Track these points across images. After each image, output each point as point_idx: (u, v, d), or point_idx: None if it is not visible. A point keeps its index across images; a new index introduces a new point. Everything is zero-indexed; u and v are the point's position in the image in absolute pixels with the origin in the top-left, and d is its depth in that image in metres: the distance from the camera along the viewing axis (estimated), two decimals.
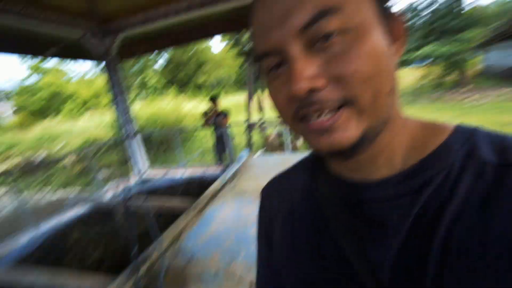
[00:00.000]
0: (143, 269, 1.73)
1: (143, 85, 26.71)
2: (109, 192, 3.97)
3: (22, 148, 7.37)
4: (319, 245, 0.32)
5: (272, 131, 6.77)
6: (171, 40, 4.80)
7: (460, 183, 0.24)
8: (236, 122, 5.19)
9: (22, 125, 13.19)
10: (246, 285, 1.54)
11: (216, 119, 4.72)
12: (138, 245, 3.75)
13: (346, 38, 0.24)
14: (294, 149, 6.17)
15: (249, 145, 6.31)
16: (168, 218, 2.63)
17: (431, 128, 0.29)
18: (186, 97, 20.88)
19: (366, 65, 0.23)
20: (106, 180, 5.64)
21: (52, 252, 2.88)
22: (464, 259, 0.22)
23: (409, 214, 0.26)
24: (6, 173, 5.62)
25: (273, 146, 5.02)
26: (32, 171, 6.09)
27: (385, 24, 0.26)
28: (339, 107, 0.24)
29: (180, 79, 31.17)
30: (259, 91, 7.41)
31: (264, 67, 0.28)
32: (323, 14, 0.23)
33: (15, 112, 18.73)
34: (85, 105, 19.53)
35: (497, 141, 0.26)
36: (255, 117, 6.74)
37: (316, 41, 0.24)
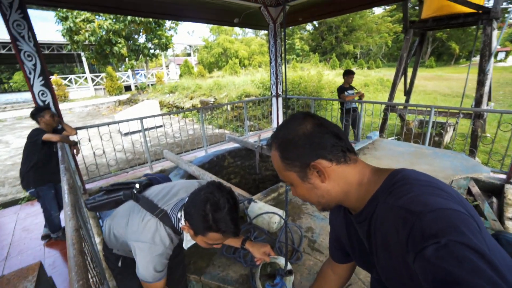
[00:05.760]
0: (274, 195, 2.40)
1: (289, 50, 28.23)
2: (252, 138, 5.09)
3: (201, 92, 10.19)
4: (350, 234, 0.71)
5: (413, 118, 5.98)
6: (333, 9, 4.84)
7: (377, 214, 0.53)
8: (375, 100, 4.97)
9: (200, 75, 17.59)
10: None
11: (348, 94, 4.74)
12: (266, 181, 4.70)
13: (293, 186, 0.62)
14: (436, 144, 5.29)
15: (382, 127, 5.94)
16: None
17: (375, 178, 0.57)
18: (327, 66, 20.64)
19: (300, 195, 0.63)
20: (251, 128, 7.05)
21: (215, 167, 4.23)
22: (379, 245, 0.53)
23: (365, 230, 0.58)
24: (193, 107, 8.08)
25: (410, 135, 4.56)
26: (205, 110, 8.44)
27: (304, 178, 0.58)
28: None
29: (324, 47, 30.51)
30: (410, 70, 6.47)
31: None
32: (281, 181, 0.69)
33: (196, 64, 24.91)
34: (242, 63, 23.33)
35: (399, 191, 0.50)
36: (398, 99, 6.11)
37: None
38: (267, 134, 5.78)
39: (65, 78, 16.33)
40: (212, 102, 8.90)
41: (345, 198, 0.60)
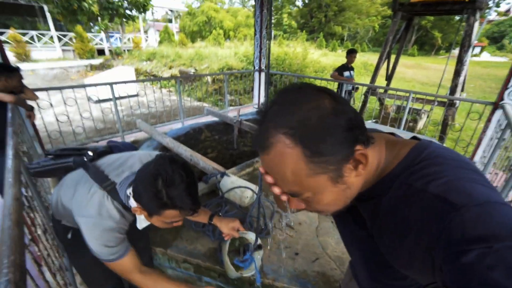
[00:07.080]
0: (248, 170, 2.35)
1: (276, 25, 27.24)
2: (231, 113, 4.95)
3: (181, 62, 9.61)
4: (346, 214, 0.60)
5: (391, 103, 6.12)
6: None
7: (392, 194, 0.45)
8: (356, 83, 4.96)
9: (181, 43, 16.54)
10: None
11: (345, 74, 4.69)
12: (244, 157, 4.66)
13: (310, 196, 0.44)
14: (410, 129, 5.51)
15: (361, 110, 6.03)
16: None
17: (392, 154, 0.47)
18: (313, 45, 20.28)
19: (321, 205, 0.46)
20: (231, 102, 6.85)
21: (190, 141, 4.08)
22: (386, 228, 0.46)
23: (370, 209, 0.51)
24: (171, 77, 7.65)
25: (387, 119, 4.68)
26: (184, 80, 8.03)
27: (339, 178, 0.42)
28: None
29: (312, 26, 29.77)
30: (393, 57, 6.51)
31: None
32: (290, 194, 0.45)
33: (177, 32, 23.36)
34: (227, 34, 22.19)
35: (427, 172, 0.41)
36: (379, 83, 6.17)
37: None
38: (247, 109, 5.65)
39: (24, 34, 14.54)
40: (192, 73, 8.46)
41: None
